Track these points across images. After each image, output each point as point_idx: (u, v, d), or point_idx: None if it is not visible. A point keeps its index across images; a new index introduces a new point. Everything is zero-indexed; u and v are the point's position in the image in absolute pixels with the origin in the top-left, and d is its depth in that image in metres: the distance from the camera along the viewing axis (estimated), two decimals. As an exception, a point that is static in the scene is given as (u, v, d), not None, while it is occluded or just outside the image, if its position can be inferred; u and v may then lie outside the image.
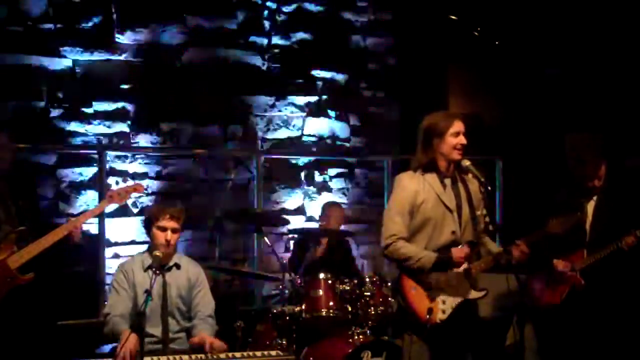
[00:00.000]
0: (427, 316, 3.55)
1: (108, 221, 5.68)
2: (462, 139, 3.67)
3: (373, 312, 4.53)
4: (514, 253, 3.67)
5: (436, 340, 3.63)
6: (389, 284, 4.60)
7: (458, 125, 3.68)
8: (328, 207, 5.92)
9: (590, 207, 4.79)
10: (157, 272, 3.78)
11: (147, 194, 5.97)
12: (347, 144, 6.76)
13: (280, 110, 6.51)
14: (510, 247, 3.69)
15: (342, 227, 5.98)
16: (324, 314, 4.58)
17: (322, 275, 4.69)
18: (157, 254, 3.88)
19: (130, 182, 4.26)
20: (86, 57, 5.85)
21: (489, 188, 3.68)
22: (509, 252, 3.67)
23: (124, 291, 3.99)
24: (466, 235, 3.71)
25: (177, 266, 4.07)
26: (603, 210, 4.79)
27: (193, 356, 3.71)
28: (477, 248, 3.82)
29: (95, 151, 5.79)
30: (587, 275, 4.66)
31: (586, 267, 4.65)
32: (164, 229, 3.97)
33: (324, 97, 6.66)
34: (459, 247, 3.66)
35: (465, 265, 3.68)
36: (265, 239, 5.22)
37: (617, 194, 4.89)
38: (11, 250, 4.01)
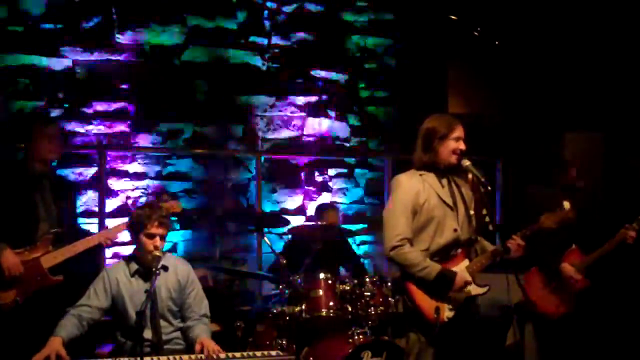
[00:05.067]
0: (435, 315, 3.56)
1: (108, 221, 5.68)
2: (461, 145, 3.73)
3: (373, 312, 4.53)
4: (511, 247, 3.69)
5: (442, 339, 3.64)
6: (389, 284, 4.61)
7: (460, 131, 3.74)
8: (324, 210, 5.91)
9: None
10: (158, 272, 3.77)
11: (147, 194, 5.98)
12: (347, 144, 6.76)
13: (280, 110, 6.51)
14: (506, 242, 3.70)
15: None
16: (324, 314, 4.58)
17: (322, 275, 4.69)
18: (157, 254, 3.87)
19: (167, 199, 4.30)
20: (86, 57, 5.86)
21: (489, 188, 3.70)
22: (507, 248, 3.69)
23: (96, 297, 3.96)
24: (464, 233, 3.76)
25: (165, 268, 4.04)
26: (594, 207, 4.82)
27: (193, 356, 3.71)
28: (476, 245, 3.84)
29: (95, 151, 5.80)
30: (592, 274, 4.68)
31: (590, 265, 4.67)
32: (152, 236, 3.93)
33: (324, 97, 6.66)
34: (461, 262, 3.68)
35: (466, 263, 3.70)
36: (265, 239, 5.22)
37: (616, 191, 4.92)
38: (46, 249, 4.06)
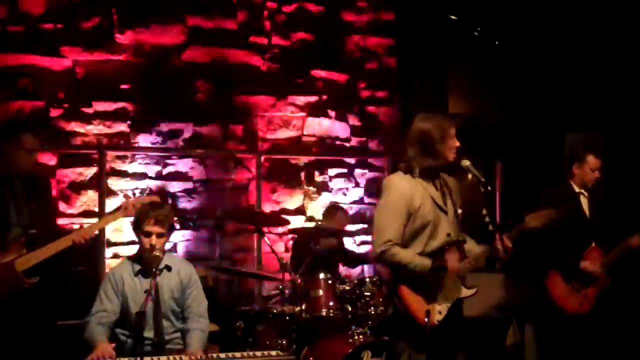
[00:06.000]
0: (426, 319, 3.54)
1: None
2: (456, 141, 3.69)
3: (373, 312, 4.53)
4: (498, 249, 3.65)
5: (433, 343, 3.62)
6: (389, 284, 4.61)
7: (454, 128, 3.70)
8: (334, 210, 5.93)
9: (584, 202, 4.86)
10: (158, 272, 3.77)
11: (148, 194, 5.98)
12: (347, 144, 6.76)
13: (280, 110, 6.51)
14: (494, 243, 3.67)
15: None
16: (324, 314, 4.59)
17: (322, 275, 4.69)
18: (157, 254, 3.87)
19: (145, 195, 4.25)
20: (86, 57, 5.86)
21: (489, 188, 3.68)
22: (495, 249, 3.67)
23: (108, 300, 3.96)
24: (454, 235, 3.72)
25: (168, 268, 4.04)
26: (610, 205, 4.84)
27: (193, 357, 3.71)
28: (464, 245, 3.81)
29: (95, 151, 5.80)
30: (612, 272, 4.71)
31: (612, 264, 4.70)
32: (148, 234, 3.92)
33: (324, 97, 6.66)
34: (451, 254, 3.66)
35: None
36: (265, 239, 5.22)
37: (622, 189, 4.94)
38: (20, 252, 4.00)
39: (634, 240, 4.67)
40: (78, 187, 5.82)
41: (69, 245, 4.04)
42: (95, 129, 5.89)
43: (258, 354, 3.77)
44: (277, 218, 5.83)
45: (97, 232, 4.29)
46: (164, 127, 6.09)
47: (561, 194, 4.86)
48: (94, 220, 5.69)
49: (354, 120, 6.79)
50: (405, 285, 3.63)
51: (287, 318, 4.57)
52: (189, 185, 6.16)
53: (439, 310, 3.60)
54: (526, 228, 3.81)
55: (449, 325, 3.63)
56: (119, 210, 4.24)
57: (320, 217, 6.19)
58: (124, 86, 5.96)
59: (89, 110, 5.88)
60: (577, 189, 4.87)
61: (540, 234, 4.29)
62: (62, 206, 5.75)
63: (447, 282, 3.66)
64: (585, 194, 4.87)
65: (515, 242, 3.72)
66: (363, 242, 6.74)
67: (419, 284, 3.62)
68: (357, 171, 6.80)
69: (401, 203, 3.59)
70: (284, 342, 4.51)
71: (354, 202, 6.76)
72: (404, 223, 3.59)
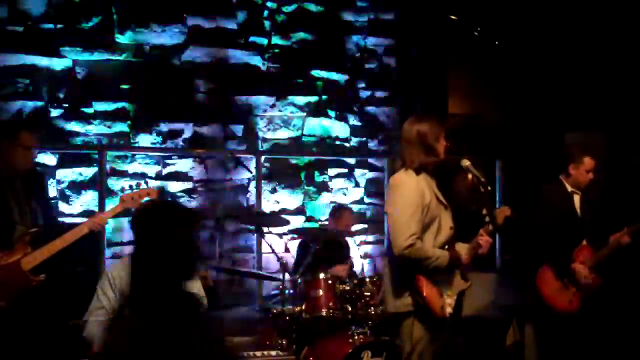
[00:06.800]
0: (442, 312, 3.61)
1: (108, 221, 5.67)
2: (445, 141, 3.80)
3: (373, 312, 4.53)
4: (481, 244, 3.72)
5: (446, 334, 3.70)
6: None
7: (444, 128, 3.80)
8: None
9: (577, 200, 4.87)
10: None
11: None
12: (347, 144, 6.76)
13: (280, 110, 6.51)
14: (476, 237, 3.72)
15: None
16: (324, 314, 4.59)
17: (322, 275, 4.69)
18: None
19: (143, 186, 4.23)
20: (86, 57, 5.86)
21: (489, 188, 3.71)
22: (478, 244, 3.72)
23: (105, 297, 3.96)
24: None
25: None
26: (606, 204, 4.85)
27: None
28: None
29: (95, 151, 5.80)
30: (601, 270, 4.72)
31: (602, 262, 4.70)
32: None
33: (324, 97, 6.66)
34: (462, 247, 3.73)
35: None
36: (265, 239, 5.22)
37: (620, 189, 4.95)
38: (25, 251, 3.99)
39: (624, 238, 4.68)
40: (78, 187, 5.82)
41: (73, 241, 4.04)
42: (95, 129, 5.90)
43: (258, 354, 3.77)
44: (277, 218, 5.82)
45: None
46: (164, 127, 6.09)
47: (555, 192, 4.87)
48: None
49: (354, 120, 6.79)
50: (424, 279, 3.66)
51: (287, 318, 4.57)
52: (189, 185, 6.16)
53: (449, 304, 3.67)
54: (496, 226, 3.82)
55: (454, 317, 3.71)
56: (118, 204, 4.25)
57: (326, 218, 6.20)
58: (124, 86, 5.96)
59: (89, 110, 5.88)
60: (569, 188, 4.88)
61: (532, 232, 4.29)
62: (62, 206, 5.76)
63: (453, 276, 3.72)
64: (578, 192, 4.88)
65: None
66: (363, 242, 6.74)
67: (433, 277, 3.66)
68: (357, 171, 6.80)
69: (417, 199, 3.66)
70: (284, 342, 4.51)
71: (354, 202, 6.76)
72: (421, 218, 3.66)
